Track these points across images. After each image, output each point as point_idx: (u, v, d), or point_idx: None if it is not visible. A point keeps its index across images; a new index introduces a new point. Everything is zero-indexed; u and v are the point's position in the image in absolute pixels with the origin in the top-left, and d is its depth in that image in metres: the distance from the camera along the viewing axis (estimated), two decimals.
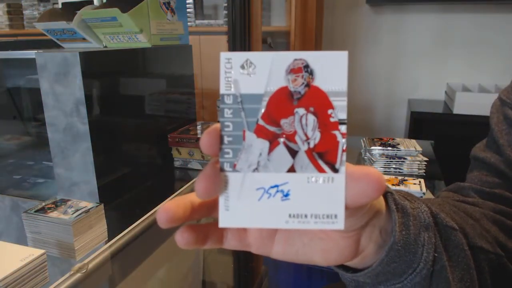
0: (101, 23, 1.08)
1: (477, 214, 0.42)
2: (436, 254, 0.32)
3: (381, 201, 0.30)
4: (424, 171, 1.08)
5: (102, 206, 0.73)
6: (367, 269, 0.31)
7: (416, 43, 2.37)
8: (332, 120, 0.25)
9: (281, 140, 0.25)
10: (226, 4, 2.47)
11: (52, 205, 0.72)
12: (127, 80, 1.05)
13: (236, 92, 0.26)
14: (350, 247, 0.29)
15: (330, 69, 0.24)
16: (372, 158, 1.12)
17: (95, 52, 0.95)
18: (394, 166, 1.09)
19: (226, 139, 0.25)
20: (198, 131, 1.21)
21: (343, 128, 0.25)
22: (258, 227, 0.27)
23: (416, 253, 0.31)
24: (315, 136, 0.25)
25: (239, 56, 0.26)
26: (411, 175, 1.07)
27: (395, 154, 1.11)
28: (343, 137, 0.25)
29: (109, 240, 0.76)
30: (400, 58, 2.43)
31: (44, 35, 1.17)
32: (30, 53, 0.94)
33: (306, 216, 0.25)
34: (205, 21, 2.61)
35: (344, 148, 0.25)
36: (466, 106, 1.99)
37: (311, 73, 0.25)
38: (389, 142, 1.18)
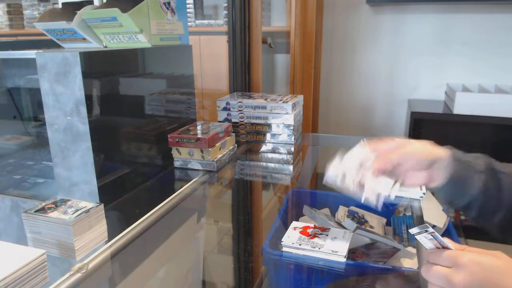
0: (101, 23, 1.08)
1: None
2: (485, 185, 0.61)
3: (441, 155, 0.63)
4: None
5: (102, 206, 0.73)
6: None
7: (416, 43, 2.37)
8: None
9: None
10: (226, 4, 2.47)
11: (52, 205, 0.72)
12: (127, 80, 1.05)
13: None
14: (426, 178, 0.64)
15: None
16: None
17: (95, 52, 0.95)
18: None
19: None
20: (198, 131, 1.21)
21: None
22: None
23: (471, 183, 0.62)
24: None
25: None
26: None
27: None
28: None
29: (109, 240, 0.76)
30: (400, 58, 2.43)
31: (44, 35, 1.17)
32: (30, 53, 0.94)
33: None
34: (205, 21, 2.61)
35: None
36: (466, 106, 1.99)
37: None
38: None
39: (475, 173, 0.62)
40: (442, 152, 0.64)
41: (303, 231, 0.74)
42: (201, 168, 1.17)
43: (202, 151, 1.15)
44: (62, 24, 1.08)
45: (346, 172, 0.65)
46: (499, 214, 0.62)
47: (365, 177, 0.64)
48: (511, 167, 0.65)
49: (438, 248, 0.50)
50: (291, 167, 1.27)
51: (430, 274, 0.49)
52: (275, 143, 1.41)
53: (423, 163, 0.63)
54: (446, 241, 0.49)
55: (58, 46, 1.20)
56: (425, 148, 0.64)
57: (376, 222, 0.92)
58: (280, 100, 1.40)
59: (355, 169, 0.65)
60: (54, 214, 0.68)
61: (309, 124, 2.25)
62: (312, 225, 0.77)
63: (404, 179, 0.64)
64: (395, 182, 0.64)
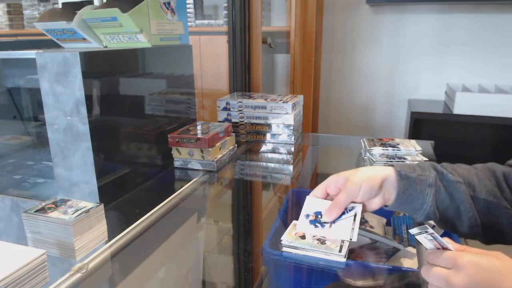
0: (101, 23, 1.08)
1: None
2: (437, 198, 0.62)
3: (386, 176, 0.64)
4: None
5: (102, 206, 0.73)
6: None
7: (416, 43, 2.37)
8: None
9: None
10: (226, 4, 2.47)
11: (52, 205, 0.72)
12: (127, 80, 1.05)
13: None
14: (381, 201, 0.65)
15: None
16: (372, 158, 1.12)
17: (95, 52, 0.95)
18: None
19: None
20: (198, 131, 1.21)
21: None
22: None
23: (421, 198, 0.62)
24: None
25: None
26: None
27: (395, 154, 1.11)
28: None
29: (109, 240, 0.76)
30: (400, 58, 2.43)
31: (44, 35, 1.17)
32: (30, 53, 0.94)
33: None
34: (205, 21, 2.62)
35: None
36: (466, 106, 2.00)
37: None
38: (389, 142, 1.18)
39: (424, 187, 0.63)
40: (387, 173, 0.65)
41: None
42: (201, 168, 1.17)
43: (202, 151, 1.15)
44: (62, 24, 1.08)
45: (305, 232, 0.67)
46: (464, 221, 0.62)
47: (324, 231, 0.65)
48: (459, 172, 0.65)
49: (438, 248, 0.50)
50: (291, 167, 1.27)
51: (430, 275, 0.49)
52: (275, 143, 1.41)
53: (372, 189, 0.64)
54: (446, 241, 0.49)
55: (58, 46, 1.20)
56: (369, 174, 0.65)
57: (376, 222, 0.92)
58: (280, 100, 1.40)
59: (309, 227, 0.67)
60: (54, 214, 0.68)
61: (309, 124, 2.25)
62: None
63: (363, 207, 0.66)
64: (354, 219, 0.65)
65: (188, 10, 2.57)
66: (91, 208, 0.71)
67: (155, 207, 0.93)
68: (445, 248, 0.49)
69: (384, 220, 0.95)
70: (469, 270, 0.46)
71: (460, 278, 0.46)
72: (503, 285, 0.45)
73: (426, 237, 0.50)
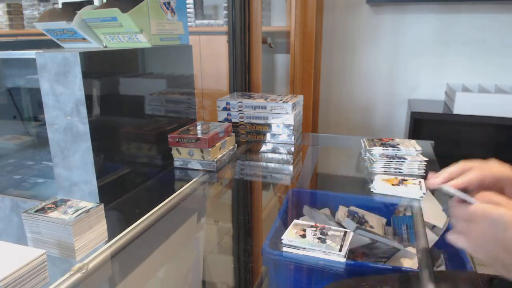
0: (101, 23, 1.08)
1: None
2: None
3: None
4: (424, 171, 1.08)
5: (102, 206, 0.73)
6: None
7: (416, 43, 2.37)
8: None
9: None
10: (226, 4, 2.47)
11: (52, 205, 0.72)
12: (127, 80, 1.05)
13: None
14: None
15: None
16: (372, 158, 1.12)
17: (95, 52, 0.95)
18: (394, 166, 1.10)
19: None
20: (198, 131, 1.21)
21: None
22: None
23: None
24: None
25: None
26: (411, 175, 1.07)
27: (395, 154, 1.12)
28: None
29: (109, 240, 0.76)
30: (400, 58, 2.43)
31: (44, 35, 1.17)
32: (30, 53, 0.94)
33: None
34: (205, 21, 2.61)
35: None
36: (466, 106, 2.00)
37: None
38: (389, 142, 1.18)
39: None
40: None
41: (304, 231, 0.74)
42: (201, 168, 1.17)
43: (202, 151, 1.15)
44: (62, 24, 1.08)
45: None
46: None
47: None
48: None
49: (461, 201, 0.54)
50: (291, 167, 1.27)
51: (454, 228, 0.54)
52: (275, 143, 1.41)
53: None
54: (466, 196, 0.54)
55: (58, 46, 1.20)
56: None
57: (376, 222, 0.92)
58: (280, 100, 1.40)
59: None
60: (54, 214, 0.68)
61: (309, 124, 2.25)
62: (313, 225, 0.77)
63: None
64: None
65: (188, 10, 2.57)
66: (91, 208, 0.71)
67: (155, 207, 0.93)
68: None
69: (384, 220, 0.95)
70: (481, 223, 0.50)
71: (473, 232, 0.51)
72: (506, 235, 0.48)
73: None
